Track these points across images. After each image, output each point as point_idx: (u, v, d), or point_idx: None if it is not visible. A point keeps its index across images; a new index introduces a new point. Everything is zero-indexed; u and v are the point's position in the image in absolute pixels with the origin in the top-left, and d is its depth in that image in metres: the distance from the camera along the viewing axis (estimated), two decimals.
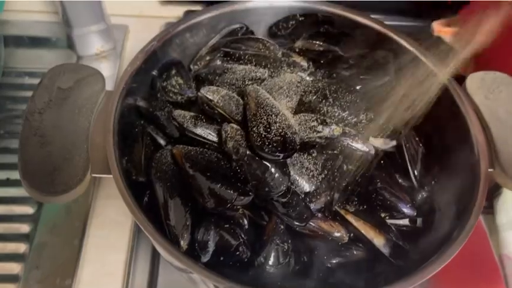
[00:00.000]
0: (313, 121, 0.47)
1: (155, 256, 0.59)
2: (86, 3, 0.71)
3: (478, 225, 0.63)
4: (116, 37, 0.80)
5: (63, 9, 0.70)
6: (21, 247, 0.58)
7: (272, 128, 0.43)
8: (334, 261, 0.47)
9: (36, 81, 0.50)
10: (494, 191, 0.64)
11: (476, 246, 0.62)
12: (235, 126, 0.46)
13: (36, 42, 0.79)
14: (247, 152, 0.44)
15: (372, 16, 0.74)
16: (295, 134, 0.44)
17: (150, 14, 0.86)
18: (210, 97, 0.47)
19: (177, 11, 0.84)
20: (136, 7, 0.85)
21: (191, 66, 0.59)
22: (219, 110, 0.47)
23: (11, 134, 0.67)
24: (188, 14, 0.81)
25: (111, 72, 0.76)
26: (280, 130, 0.43)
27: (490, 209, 0.64)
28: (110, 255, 0.58)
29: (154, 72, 0.54)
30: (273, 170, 0.44)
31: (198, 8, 0.84)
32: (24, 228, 0.59)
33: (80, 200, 0.61)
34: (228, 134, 0.45)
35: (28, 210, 0.61)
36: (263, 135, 0.43)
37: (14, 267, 0.56)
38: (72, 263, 0.56)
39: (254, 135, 0.43)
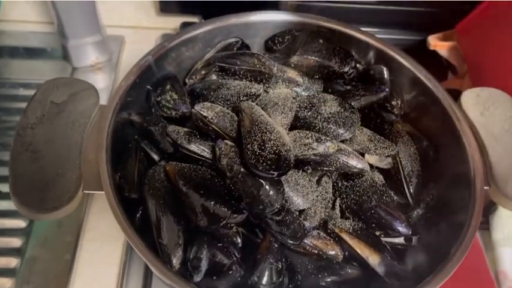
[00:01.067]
0: (307, 138, 0.47)
1: (148, 271, 0.58)
2: (82, 15, 0.70)
3: (474, 242, 0.63)
4: (111, 48, 0.79)
5: (59, 20, 0.70)
6: (12, 262, 0.57)
7: (266, 145, 0.43)
8: (328, 280, 0.46)
9: (30, 92, 0.50)
10: (490, 207, 0.64)
11: (472, 263, 0.62)
12: (229, 143, 0.46)
13: (31, 52, 0.78)
14: (242, 170, 0.44)
15: (369, 30, 0.75)
16: (290, 152, 0.44)
17: (147, 26, 0.86)
18: (205, 113, 0.46)
19: (173, 23, 0.84)
20: (132, 18, 0.85)
21: (186, 80, 0.58)
22: (213, 126, 0.47)
23: (4, 146, 0.66)
24: (184, 25, 0.81)
25: (106, 84, 0.76)
26: (275, 148, 0.43)
27: (485, 225, 0.64)
28: (102, 270, 0.58)
29: (149, 87, 0.54)
30: (267, 187, 0.43)
31: (194, 19, 0.83)
32: (16, 242, 0.58)
33: (72, 214, 0.59)
34: (222, 151, 0.45)
35: (20, 224, 0.60)
36: (257, 153, 0.42)
37: (5, 282, 0.55)
38: (64, 277, 0.56)
39: (248, 152, 0.43)
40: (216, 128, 0.47)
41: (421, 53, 0.78)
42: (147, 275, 0.58)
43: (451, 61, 0.75)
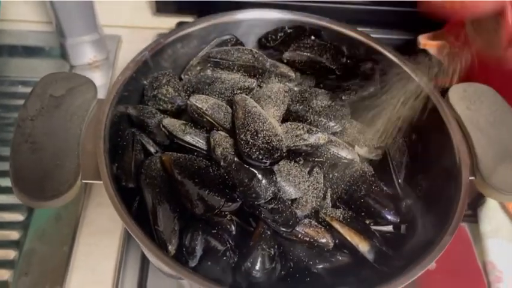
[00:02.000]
0: (299, 129, 0.48)
1: (144, 264, 0.59)
2: (80, 14, 0.72)
3: (462, 233, 0.65)
4: (108, 47, 0.81)
5: (57, 19, 0.72)
6: (10, 254, 0.58)
7: (259, 135, 0.44)
8: (320, 267, 0.47)
9: (29, 89, 0.51)
10: (478, 200, 0.66)
11: (460, 254, 0.63)
12: (223, 133, 0.47)
13: (29, 51, 0.80)
14: (235, 159, 0.45)
15: (359, 29, 0.77)
16: (282, 142, 0.45)
17: (143, 25, 0.87)
18: (199, 105, 0.48)
19: (169, 22, 0.85)
20: (129, 18, 0.87)
21: (182, 76, 0.60)
22: (208, 118, 0.48)
23: (3, 142, 0.68)
24: (180, 25, 0.83)
25: (103, 82, 0.77)
26: (267, 138, 0.44)
27: (474, 218, 0.66)
28: (99, 263, 0.59)
29: (146, 82, 0.55)
30: (260, 176, 0.45)
31: (190, 19, 0.85)
32: (14, 235, 0.60)
33: (70, 208, 0.61)
34: (217, 141, 0.46)
35: (18, 217, 0.61)
36: (250, 143, 0.44)
37: (3, 274, 0.56)
38: (61, 269, 0.57)
39: (242, 142, 0.44)
40: (211, 119, 0.48)
41: (411, 51, 0.81)
42: (143, 269, 0.59)
43: (440, 60, 0.77)
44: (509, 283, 0.59)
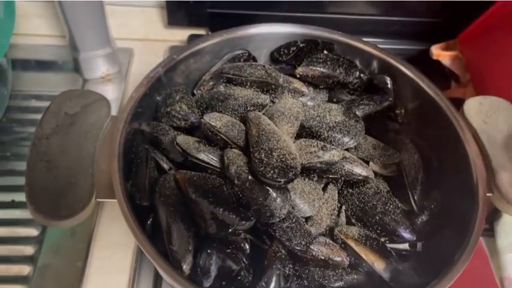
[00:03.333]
0: (313, 146, 0.48)
1: (157, 278, 0.59)
2: (93, 28, 0.72)
3: (479, 248, 0.64)
4: (121, 60, 0.81)
5: (70, 33, 0.72)
6: (25, 269, 0.58)
7: (273, 154, 0.44)
8: (335, 285, 0.47)
9: (42, 103, 0.51)
10: (494, 214, 0.65)
11: (477, 269, 0.62)
12: (237, 151, 0.47)
13: (43, 65, 0.80)
14: (249, 177, 0.45)
15: (372, 40, 0.76)
16: (296, 160, 0.45)
17: (155, 38, 0.88)
18: (214, 123, 0.48)
19: (181, 35, 0.86)
20: (141, 31, 0.87)
21: (195, 91, 0.60)
22: (221, 136, 0.48)
23: (17, 156, 0.68)
24: (192, 38, 0.83)
25: (116, 95, 0.78)
26: (282, 156, 0.44)
27: (491, 232, 0.64)
28: (112, 277, 0.59)
29: (159, 98, 0.56)
30: (274, 195, 0.44)
31: (202, 31, 0.85)
32: (29, 250, 0.60)
33: (83, 223, 0.60)
34: (230, 159, 0.46)
35: (32, 232, 0.61)
36: (264, 161, 0.44)
37: None
38: (75, 284, 0.57)
39: (256, 161, 0.44)
40: (225, 137, 0.48)
41: (424, 62, 0.80)
42: (157, 282, 0.59)
43: (454, 70, 0.77)
44: None
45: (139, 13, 0.87)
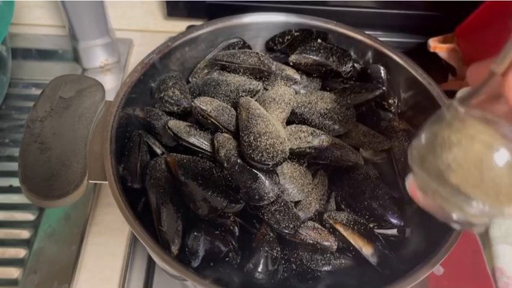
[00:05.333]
0: (303, 132, 0.48)
1: (151, 264, 0.60)
2: (92, 18, 0.73)
3: (471, 238, 0.64)
4: (120, 51, 0.82)
5: (70, 23, 0.73)
6: (21, 252, 0.59)
7: (262, 137, 0.45)
8: (323, 269, 0.47)
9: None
10: None
11: (469, 259, 0.62)
12: (227, 135, 0.48)
13: (43, 54, 0.81)
14: (239, 161, 0.46)
15: (370, 33, 0.76)
16: (285, 144, 0.45)
17: (154, 29, 0.88)
18: (204, 107, 0.48)
19: (180, 26, 0.86)
20: (140, 22, 0.88)
21: (190, 79, 0.61)
22: (212, 120, 0.49)
23: (16, 143, 0.69)
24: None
25: (114, 85, 0.79)
26: (270, 140, 0.45)
27: None
28: (106, 262, 0.60)
29: (153, 84, 0.56)
30: (263, 178, 0.45)
31: (200, 22, 0.86)
32: (25, 234, 0.61)
33: (79, 208, 0.63)
34: (220, 143, 0.47)
35: (29, 216, 0.62)
36: (253, 145, 0.44)
37: (13, 272, 0.57)
38: (69, 268, 0.57)
39: (245, 144, 0.45)
40: (215, 122, 0.48)
41: (422, 55, 0.80)
42: (150, 269, 0.60)
43: (451, 63, 0.77)
44: None
45: (139, 4, 0.87)
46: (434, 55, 0.78)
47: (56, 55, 0.81)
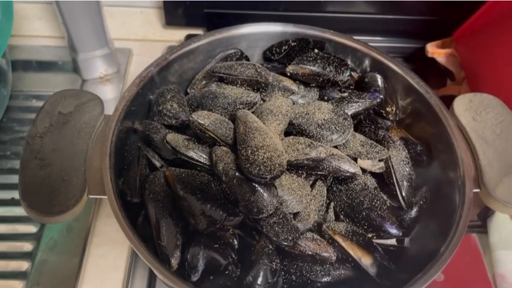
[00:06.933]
0: (300, 144, 0.49)
1: (152, 275, 0.60)
2: (90, 30, 0.74)
3: (472, 245, 0.65)
4: (119, 61, 0.83)
5: (68, 34, 0.73)
6: (23, 265, 0.59)
7: (260, 151, 0.45)
8: (322, 280, 0.48)
9: (42, 103, 0.52)
10: (487, 211, 0.65)
11: (470, 266, 0.63)
12: (225, 149, 0.48)
13: (43, 66, 0.82)
14: (237, 174, 0.46)
15: (369, 39, 0.77)
16: (282, 156, 0.46)
17: (153, 38, 0.89)
18: (201, 121, 0.49)
19: (178, 35, 0.87)
20: (139, 32, 0.89)
21: (188, 90, 0.61)
22: (210, 133, 0.49)
23: (17, 155, 0.70)
24: (189, 38, 0.84)
25: (114, 95, 0.79)
26: (268, 153, 0.45)
27: (484, 228, 0.65)
28: (108, 273, 0.60)
29: (151, 97, 0.57)
30: (261, 191, 0.45)
31: (199, 31, 0.87)
32: (27, 246, 0.61)
33: (81, 219, 0.63)
34: (219, 156, 0.47)
35: (31, 229, 0.63)
36: (251, 158, 0.44)
37: (17, 285, 0.57)
38: (71, 280, 0.58)
39: (242, 157, 0.45)
40: (213, 135, 0.49)
41: (420, 60, 0.81)
42: (151, 279, 0.60)
43: (449, 68, 0.77)
44: None
45: (138, 14, 0.88)
46: (433, 60, 0.78)
47: (56, 66, 0.82)
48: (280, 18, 0.70)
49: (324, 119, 0.52)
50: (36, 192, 0.46)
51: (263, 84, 0.56)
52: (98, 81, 0.80)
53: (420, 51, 0.80)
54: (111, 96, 0.79)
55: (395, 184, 0.51)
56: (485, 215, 0.65)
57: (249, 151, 0.45)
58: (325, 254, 0.47)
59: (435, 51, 0.77)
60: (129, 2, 0.86)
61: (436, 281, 0.60)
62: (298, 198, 0.48)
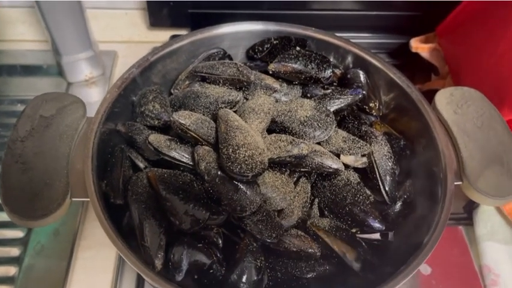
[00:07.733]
0: (282, 141, 0.49)
1: (140, 277, 0.60)
2: (73, 33, 0.73)
3: (458, 237, 0.65)
4: (104, 63, 0.82)
5: (52, 38, 0.73)
6: (11, 270, 0.59)
7: (241, 149, 0.45)
8: (307, 277, 0.48)
9: None
10: (473, 203, 0.65)
11: (456, 258, 0.63)
12: (207, 148, 0.48)
13: (28, 70, 0.81)
14: (219, 173, 0.46)
15: (353, 35, 0.77)
16: (263, 154, 0.46)
17: (138, 40, 0.89)
18: (182, 121, 0.49)
19: (163, 36, 0.87)
20: (124, 34, 0.88)
21: (172, 91, 0.61)
22: (191, 133, 0.49)
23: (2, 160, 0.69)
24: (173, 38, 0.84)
25: (100, 97, 0.77)
26: (249, 151, 0.45)
27: (470, 220, 0.65)
28: (96, 276, 0.60)
29: (134, 98, 0.57)
30: (244, 189, 0.45)
31: (184, 32, 0.86)
32: (14, 251, 0.61)
33: (68, 223, 0.63)
34: (200, 156, 0.47)
35: (18, 234, 0.62)
36: (232, 157, 0.45)
37: None
38: (60, 284, 0.58)
39: (224, 156, 0.45)
40: (194, 135, 0.49)
41: (404, 55, 0.81)
42: (139, 281, 0.60)
43: (433, 62, 0.77)
44: (505, 287, 0.58)
45: (123, 16, 0.88)
46: (417, 55, 0.78)
47: (40, 70, 0.81)
48: (265, 16, 0.70)
49: (306, 116, 0.52)
50: (18, 197, 0.45)
51: (245, 83, 0.56)
52: (83, 84, 0.80)
53: (404, 46, 0.80)
54: (96, 98, 0.79)
55: (378, 179, 0.52)
56: (470, 207, 0.66)
57: (231, 150, 0.45)
58: (310, 250, 0.47)
59: (419, 46, 0.77)
60: (113, 3, 0.86)
61: (423, 274, 0.60)
62: (282, 195, 0.49)
